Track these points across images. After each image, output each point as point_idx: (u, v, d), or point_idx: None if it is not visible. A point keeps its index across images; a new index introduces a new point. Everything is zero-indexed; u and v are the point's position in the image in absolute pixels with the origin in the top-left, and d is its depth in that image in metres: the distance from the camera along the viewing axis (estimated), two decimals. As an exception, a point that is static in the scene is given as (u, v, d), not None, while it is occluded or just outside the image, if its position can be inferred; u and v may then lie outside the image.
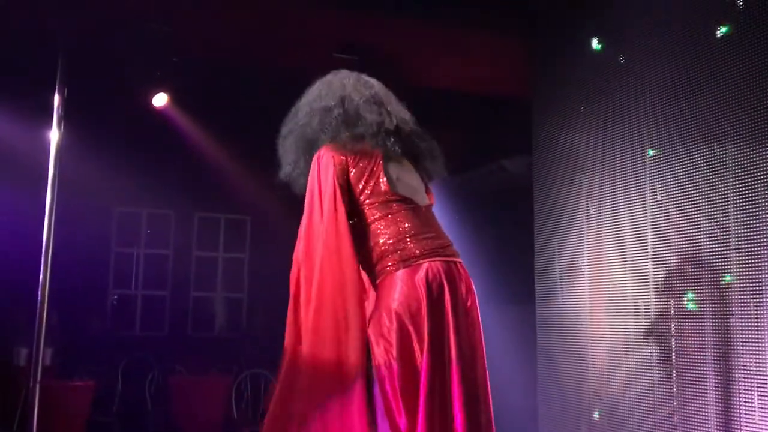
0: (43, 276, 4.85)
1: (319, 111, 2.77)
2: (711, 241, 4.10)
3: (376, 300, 2.60)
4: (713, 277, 4.07)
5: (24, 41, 5.95)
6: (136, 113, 7.03)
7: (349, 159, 2.65)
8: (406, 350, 2.44)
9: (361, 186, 2.65)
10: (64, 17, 5.20)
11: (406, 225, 2.62)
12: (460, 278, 2.60)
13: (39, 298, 4.83)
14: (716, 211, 4.05)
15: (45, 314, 4.87)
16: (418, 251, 2.57)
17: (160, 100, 6.72)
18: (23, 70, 6.07)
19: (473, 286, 2.66)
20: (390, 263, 2.57)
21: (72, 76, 5.12)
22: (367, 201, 2.65)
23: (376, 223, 2.63)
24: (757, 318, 3.82)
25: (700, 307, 4.17)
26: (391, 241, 2.59)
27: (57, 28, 5.15)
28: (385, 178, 2.66)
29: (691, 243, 4.24)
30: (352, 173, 2.65)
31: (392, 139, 2.71)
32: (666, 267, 4.44)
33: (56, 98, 5.05)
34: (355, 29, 5.89)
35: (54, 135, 5.02)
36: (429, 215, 2.77)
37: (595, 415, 4.96)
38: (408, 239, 2.59)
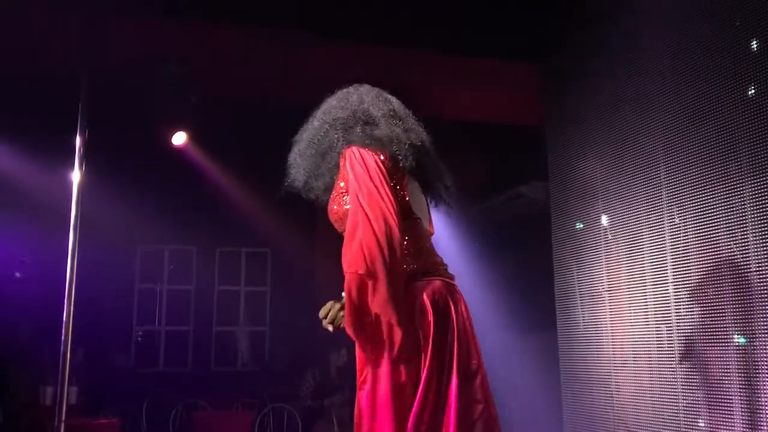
0: (67, 314, 4.87)
1: (333, 123, 2.71)
2: (731, 263, 4.06)
3: None
4: (735, 300, 4.04)
5: (45, 83, 6.08)
6: (157, 152, 7.15)
7: (383, 157, 2.55)
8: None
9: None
10: (85, 59, 5.31)
11: (423, 238, 2.63)
12: (459, 297, 2.58)
13: (63, 336, 4.86)
14: (735, 232, 4.03)
15: (69, 353, 4.90)
16: (429, 266, 2.57)
17: (179, 138, 6.82)
18: (45, 112, 6.19)
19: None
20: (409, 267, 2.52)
21: (93, 117, 5.20)
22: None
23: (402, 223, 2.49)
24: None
25: (723, 331, 4.13)
26: (411, 245, 2.55)
27: (78, 70, 5.26)
28: (408, 196, 2.63)
29: (711, 266, 4.21)
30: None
31: (410, 157, 2.62)
32: (687, 291, 4.40)
33: (78, 139, 5.13)
34: (371, 62, 5.95)
35: (76, 175, 5.09)
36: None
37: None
38: (424, 251, 2.59)
